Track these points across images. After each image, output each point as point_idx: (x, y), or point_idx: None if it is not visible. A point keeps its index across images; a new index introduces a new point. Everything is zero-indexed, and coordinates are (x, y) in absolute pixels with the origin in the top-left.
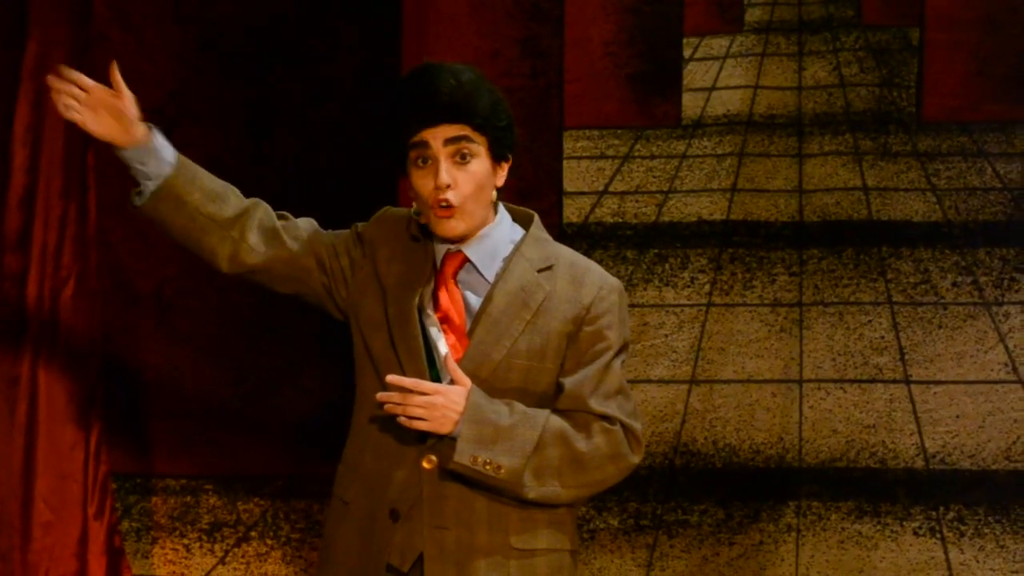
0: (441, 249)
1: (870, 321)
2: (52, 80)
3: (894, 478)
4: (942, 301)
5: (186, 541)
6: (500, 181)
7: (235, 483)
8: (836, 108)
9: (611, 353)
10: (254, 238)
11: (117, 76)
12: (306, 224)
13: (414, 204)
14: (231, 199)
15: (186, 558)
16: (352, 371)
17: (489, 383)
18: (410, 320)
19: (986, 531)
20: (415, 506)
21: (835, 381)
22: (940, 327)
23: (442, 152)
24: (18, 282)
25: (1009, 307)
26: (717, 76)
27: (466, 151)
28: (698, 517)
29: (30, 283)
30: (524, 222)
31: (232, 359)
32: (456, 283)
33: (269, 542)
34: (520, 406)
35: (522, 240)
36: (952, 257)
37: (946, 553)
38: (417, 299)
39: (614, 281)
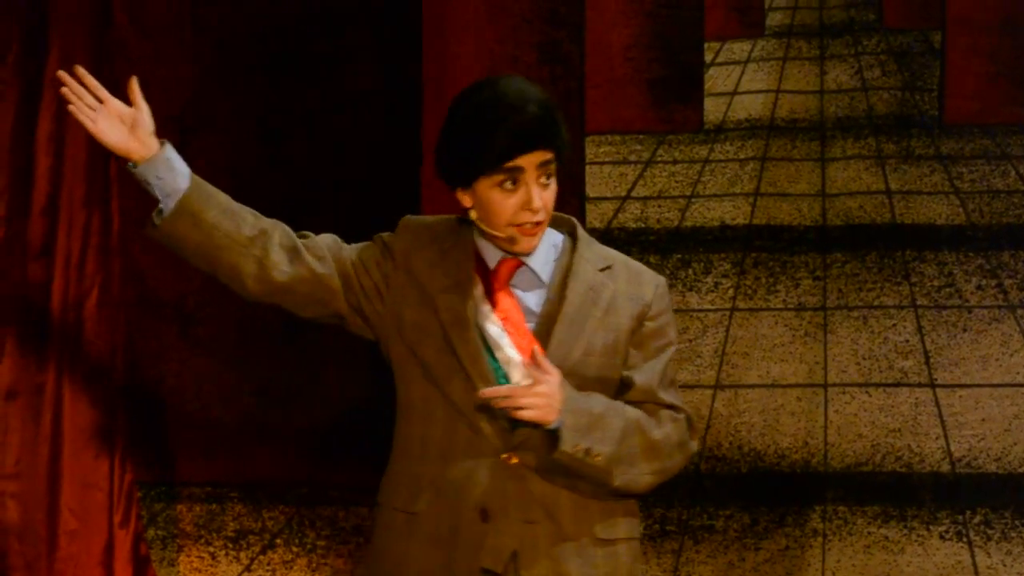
0: (493, 254)
1: (894, 325)
2: (65, 79)
3: (920, 482)
4: (967, 304)
5: (212, 549)
6: None
7: (260, 490)
8: (858, 112)
9: (672, 348)
10: (277, 256)
11: (136, 89)
12: (329, 241)
13: (472, 212)
14: (248, 218)
15: (212, 566)
16: (371, 378)
17: (568, 380)
18: (467, 324)
19: (1013, 534)
20: (502, 505)
21: (860, 385)
22: (965, 330)
23: (532, 176)
24: (42, 291)
25: None
26: (739, 81)
27: (550, 173)
28: (723, 522)
29: (54, 292)
30: (565, 227)
31: (255, 367)
32: (511, 285)
33: (295, 549)
34: (600, 396)
35: (578, 242)
36: (976, 260)
37: (973, 557)
38: (471, 302)
39: (663, 279)
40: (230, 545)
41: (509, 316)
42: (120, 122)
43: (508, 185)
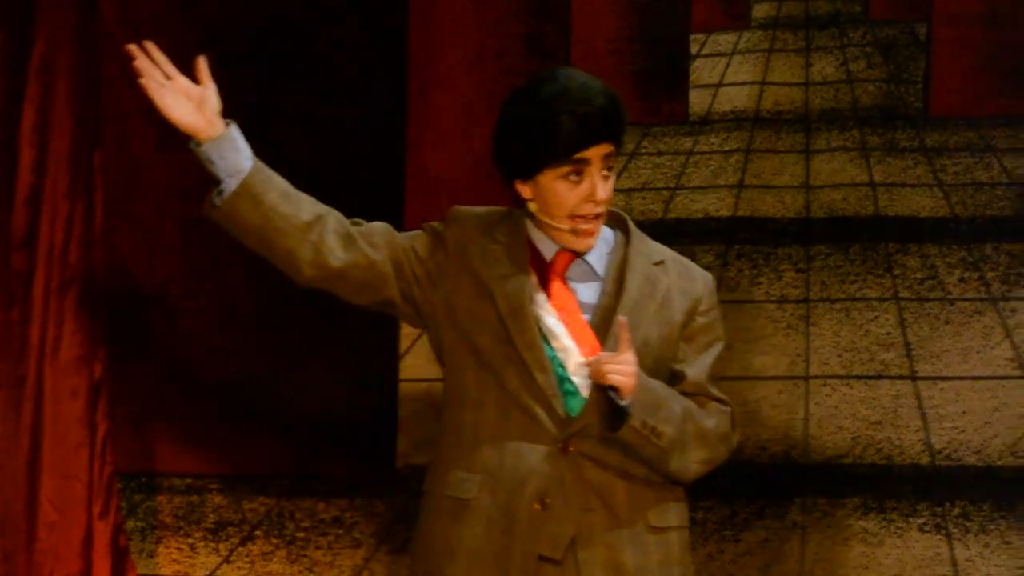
0: (549, 247)
1: (876, 317)
2: (136, 52)
3: (900, 474)
4: (949, 297)
5: (191, 540)
6: None
7: (240, 482)
8: (843, 104)
9: (721, 344)
10: (332, 242)
11: (204, 68)
12: (382, 229)
13: (531, 204)
14: (306, 203)
15: (191, 557)
16: (354, 370)
17: None
18: (525, 314)
19: (991, 527)
20: (559, 493)
21: (841, 377)
22: (947, 323)
23: (597, 168)
24: (24, 281)
25: (1016, 302)
26: (724, 72)
27: (612, 166)
28: (703, 514)
29: (36, 282)
30: (615, 222)
31: (236, 358)
32: (565, 278)
33: (274, 541)
34: (660, 382)
35: (631, 236)
36: (959, 253)
37: (951, 549)
38: (527, 293)
39: (712, 276)
40: (209, 537)
41: (565, 307)
42: (187, 99)
43: (573, 177)
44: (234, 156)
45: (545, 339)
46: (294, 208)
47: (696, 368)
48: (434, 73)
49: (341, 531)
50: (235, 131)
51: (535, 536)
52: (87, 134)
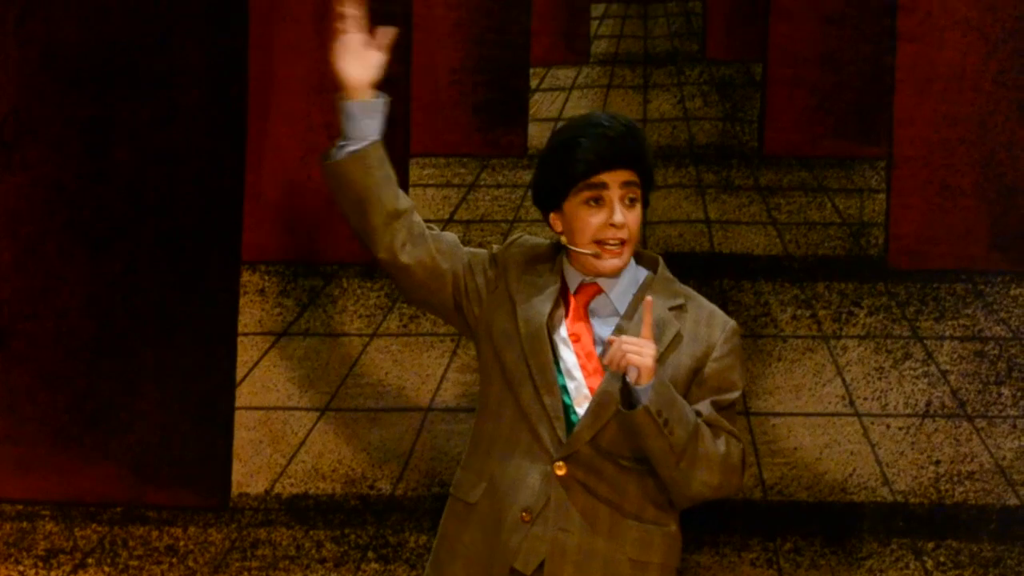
0: (575, 278)
1: None
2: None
3: (732, 508)
4: (781, 334)
5: (21, 568)
6: None
7: (72, 509)
8: (680, 141)
9: (736, 392)
10: (407, 237)
11: (386, 40)
12: (451, 239)
13: (563, 237)
14: (401, 195)
15: None
16: (189, 396)
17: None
18: (541, 338)
19: (822, 562)
20: (542, 512)
21: None
22: (779, 359)
23: (616, 194)
24: None
25: (847, 340)
26: (563, 107)
27: (633, 195)
28: None
29: None
30: (649, 265)
31: (70, 383)
32: (587, 312)
33: (107, 569)
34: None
35: (653, 279)
36: (792, 291)
37: None
38: (546, 319)
39: (734, 324)
40: (41, 564)
41: (580, 338)
42: (361, 62)
43: (592, 202)
44: (368, 124)
45: (558, 367)
46: (392, 194)
47: (708, 407)
48: (274, 100)
49: (175, 560)
50: (382, 105)
51: (513, 549)
52: None
